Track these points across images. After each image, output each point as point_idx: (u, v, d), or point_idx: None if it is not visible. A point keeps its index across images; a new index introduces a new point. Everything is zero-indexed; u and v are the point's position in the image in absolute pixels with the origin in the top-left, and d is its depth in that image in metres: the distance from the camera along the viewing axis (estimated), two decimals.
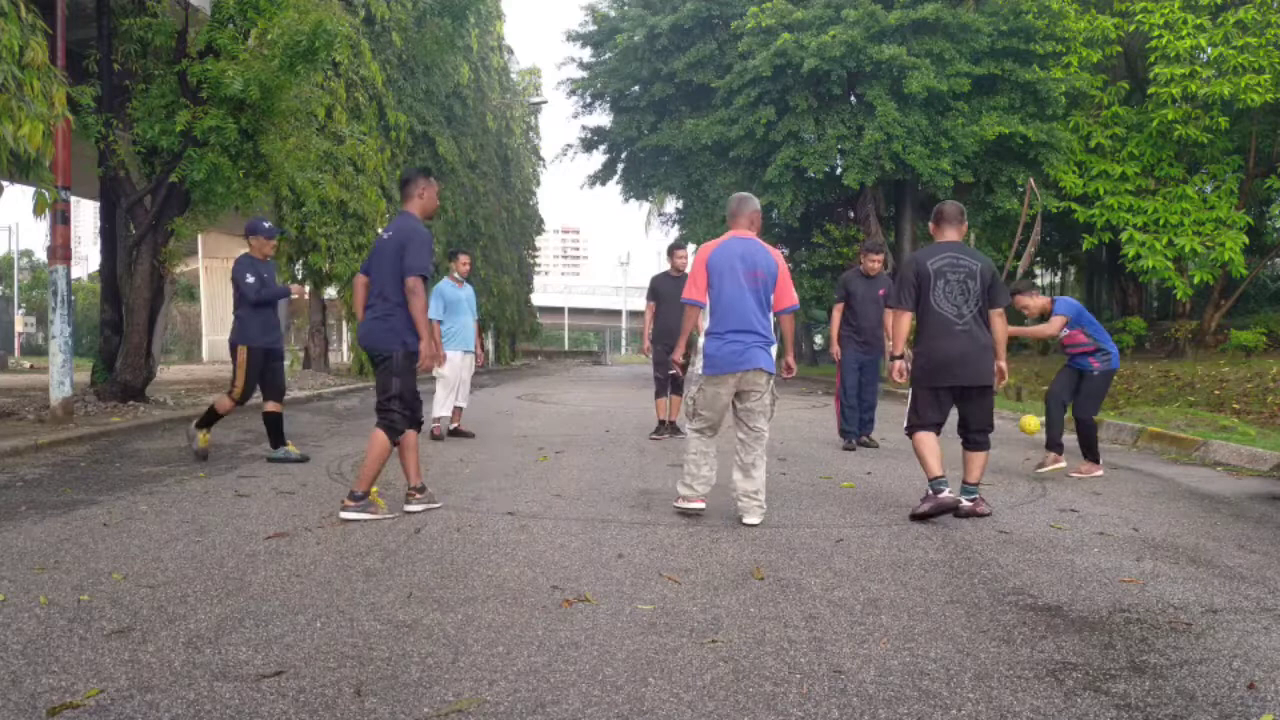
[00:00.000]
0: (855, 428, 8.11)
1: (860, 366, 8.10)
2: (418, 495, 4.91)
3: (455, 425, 8.73)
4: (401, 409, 4.75)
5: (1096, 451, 6.57)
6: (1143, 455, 7.83)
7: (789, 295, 4.93)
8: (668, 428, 8.64)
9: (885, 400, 8.27)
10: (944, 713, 2.36)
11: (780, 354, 5.08)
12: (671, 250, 8.85)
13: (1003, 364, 5.05)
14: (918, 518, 4.80)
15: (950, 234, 5.09)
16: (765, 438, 4.83)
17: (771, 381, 4.83)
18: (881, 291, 7.97)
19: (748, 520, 4.68)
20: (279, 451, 6.91)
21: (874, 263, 8.10)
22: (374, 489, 4.79)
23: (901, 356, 5.03)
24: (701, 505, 4.83)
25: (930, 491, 4.81)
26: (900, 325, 5.01)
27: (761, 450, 4.79)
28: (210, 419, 6.85)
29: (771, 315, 4.93)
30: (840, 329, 8.20)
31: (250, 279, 6.58)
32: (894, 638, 2.92)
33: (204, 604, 3.18)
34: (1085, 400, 6.56)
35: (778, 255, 4.97)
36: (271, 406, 6.93)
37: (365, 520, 4.62)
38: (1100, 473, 6.47)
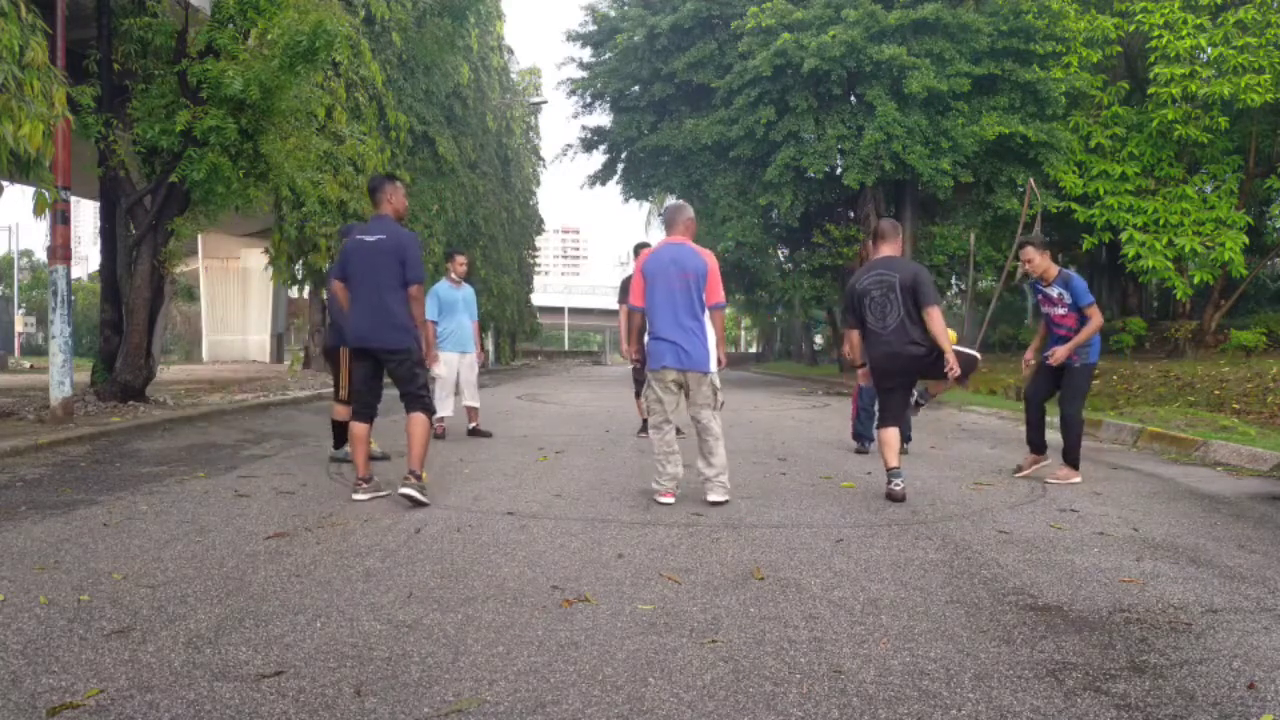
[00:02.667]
0: (870, 432, 8.01)
1: None
2: (365, 485, 5.26)
3: (474, 425, 8.77)
4: (428, 393, 5.22)
5: (1078, 455, 6.15)
6: (1143, 455, 7.83)
7: (717, 292, 5.31)
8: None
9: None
10: (944, 713, 2.36)
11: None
12: (637, 250, 8.82)
13: (950, 357, 5.45)
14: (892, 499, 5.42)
15: (886, 249, 5.62)
16: (715, 426, 5.25)
17: (711, 376, 5.26)
18: None
19: (712, 498, 5.15)
20: (341, 451, 6.81)
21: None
22: (423, 473, 5.16)
23: (864, 364, 5.79)
24: (671, 500, 5.19)
25: (890, 478, 5.44)
26: (852, 339, 5.81)
27: (716, 438, 5.23)
28: (341, 432, 6.80)
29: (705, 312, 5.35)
30: None
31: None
32: (894, 638, 2.92)
33: (204, 604, 3.18)
34: (1068, 394, 6.17)
35: (708, 256, 5.36)
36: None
37: (420, 500, 4.98)
38: (1078, 479, 6.08)
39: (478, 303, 9.36)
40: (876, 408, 8.01)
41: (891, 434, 5.52)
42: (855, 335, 5.71)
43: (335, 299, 6.56)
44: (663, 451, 5.24)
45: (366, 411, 5.29)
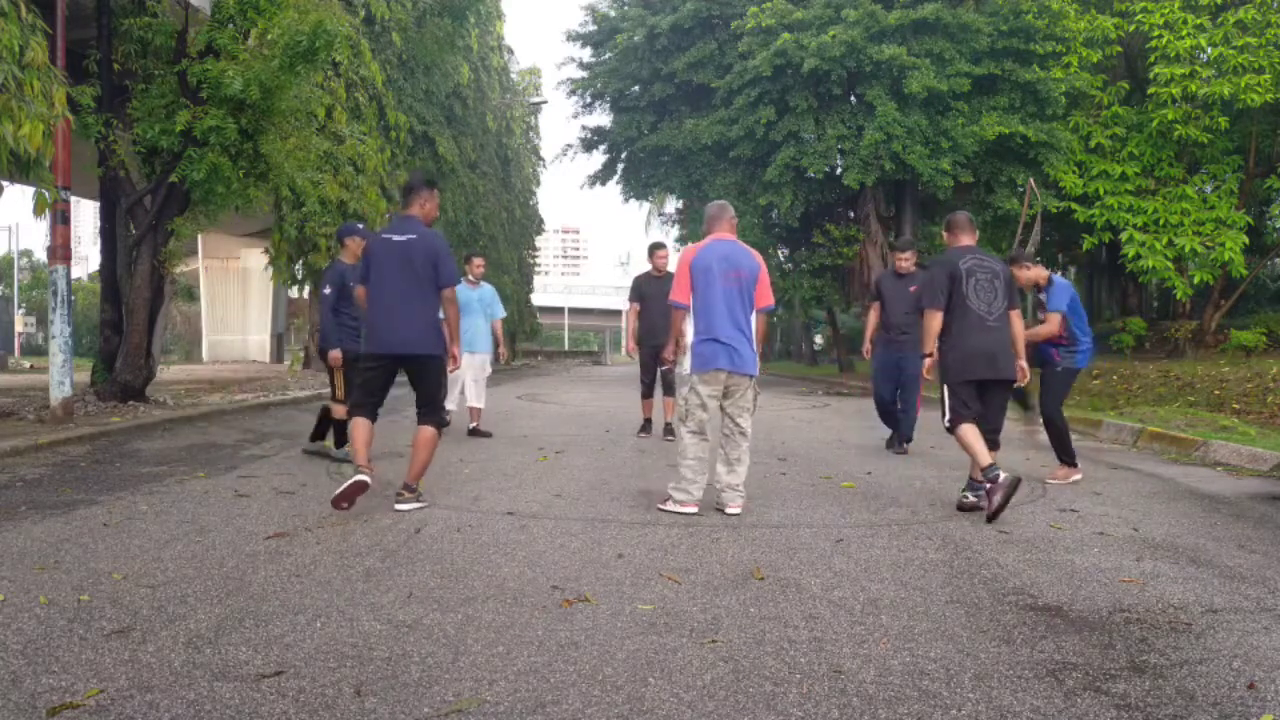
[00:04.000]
0: (892, 427, 8.02)
1: (895, 365, 7.91)
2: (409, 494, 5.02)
3: (475, 425, 8.79)
4: (444, 407, 5.13)
5: (1071, 452, 6.19)
6: (1143, 455, 7.83)
7: (767, 295, 5.14)
8: (650, 426, 8.82)
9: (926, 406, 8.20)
10: (944, 713, 2.36)
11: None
12: (652, 250, 8.90)
13: (1023, 363, 5.25)
14: (995, 515, 4.70)
15: (965, 239, 5.28)
16: (749, 433, 5.06)
17: (754, 379, 5.06)
18: (914, 289, 7.77)
19: (730, 510, 4.90)
20: (340, 451, 6.79)
21: (902, 261, 7.99)
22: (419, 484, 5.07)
23: (932, 354, 5.15)
24: (695, 509, 4.93)
25: (988, 481, 4.75)
26: (934, 324, 5.10)
27: (746, 446, 5.02)
28: (324, 430, 6.88)
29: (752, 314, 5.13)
30: (874, 330, 8.19)
31: (327, 290, 6.63)
32: (894, 638, 2.92)
33: (204, 604, 3.18)
34: (1045, 396, 6.24)
35: (758, 256, 5.21)
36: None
37: (418, 509, 4.87)
38: (1078, 476, 6.13)
39: (502, 302, 9.48)
40: (898, 406, 8.04)
41: (975, 428, 4.96)
42: (939, 319, 5.08)
43: (326, 301, 6.61)
44: (697, 458, 4.93)
45: (373, 411, 5.05)
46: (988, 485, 4.77)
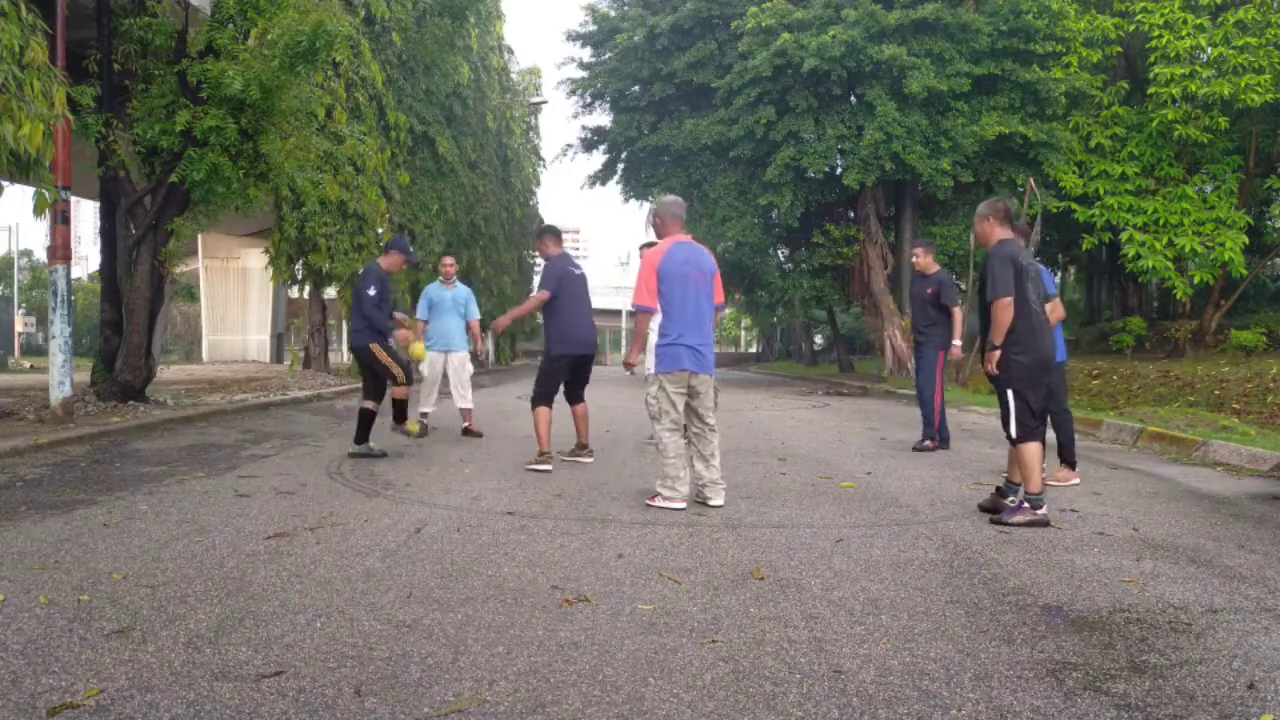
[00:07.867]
0: (929, 428, 8.04)
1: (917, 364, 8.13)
2: (547, 457, 6.43)
3: (467, 425, 8.83)
4: None
5: (1073, 452, 6.17)
6: (1143, 455, 7.83)
7: (720, 293, 5.40)
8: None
9: (908, 404, 8.19)
10: (944, 713, 2.36)
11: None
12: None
13: None
14: (999, 520, 4.71)
15: (1010, 232, 4.95)
16: (716, 428, 5.32)
17: (714, 377, 5.35)
18: (930, 291, 7.86)
19: (714, 502, 5.10)
20: (360, 448, 7.18)
21: (916, 259, 8.16)
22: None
23: (999, 349, 4.78)
24: (684, 505, 5.05)
25: (1029, 505, 4.69)
26: (1006, 316, 4.70)
27: (716, 440, 5.27)
28: (402, 410, 7.22)
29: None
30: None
31: (371, 291, 7.00)
32: (894, 638, 2.92)
33: (204, 604, 3.18)
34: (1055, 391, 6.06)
35: (710, 254, 5.43)
36: (370, 405, 7.23)
37: (588, 462, 6.76)
38: (1077, 481, 6.10)
39: (477, 302, 9.48)
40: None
41: (1041, 447, 4.78)
42: (1011, 309, 4.69)
43: (368, 299, 6.95)
44: (678, 454, 5.10)
45: (552, 401, 6.45)
46: (1026, 504, 4.69)
